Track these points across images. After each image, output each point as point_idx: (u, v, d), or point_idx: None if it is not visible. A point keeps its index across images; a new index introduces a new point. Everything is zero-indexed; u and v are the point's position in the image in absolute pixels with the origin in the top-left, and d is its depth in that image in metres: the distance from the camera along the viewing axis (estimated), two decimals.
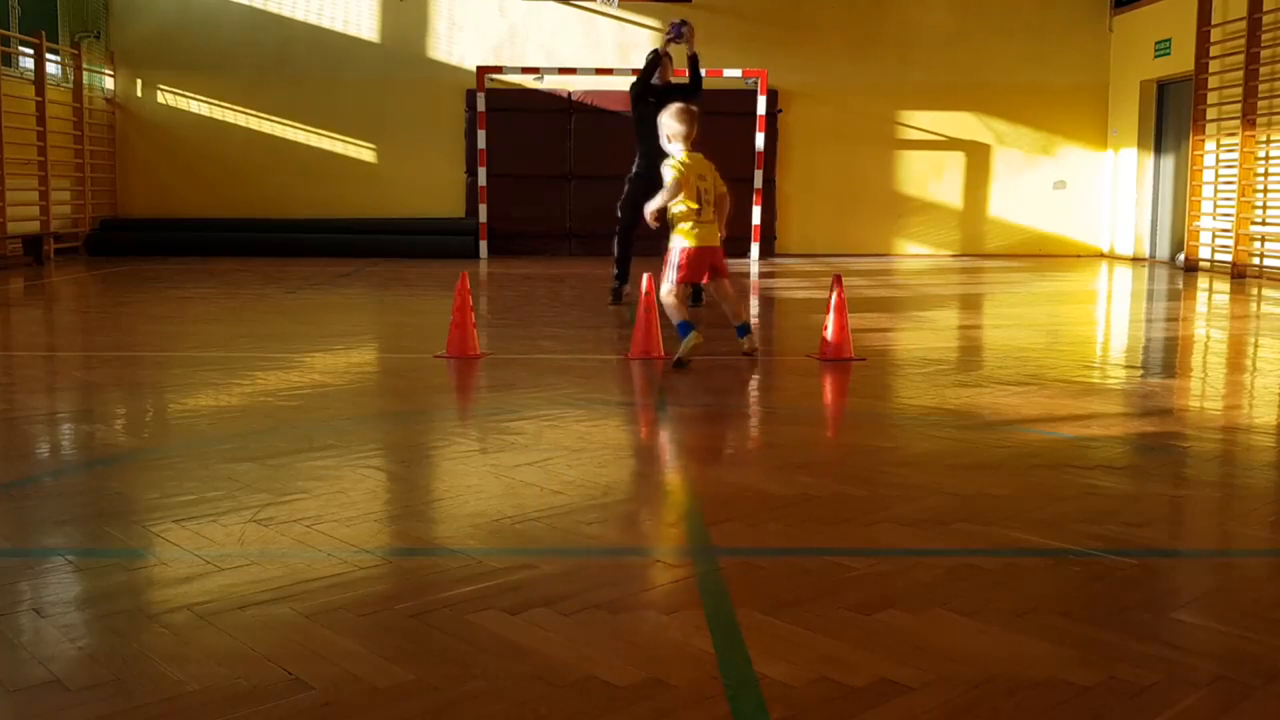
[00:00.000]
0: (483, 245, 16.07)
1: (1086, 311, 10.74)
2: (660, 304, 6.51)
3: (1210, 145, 14.36)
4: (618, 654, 2.40)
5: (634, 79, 9.83)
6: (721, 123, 16.68)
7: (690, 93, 9.39)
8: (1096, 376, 6.48)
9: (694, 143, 6.42)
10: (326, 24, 16.75)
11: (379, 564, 2.98)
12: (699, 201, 6.28)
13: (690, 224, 6.32)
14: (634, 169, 9.75)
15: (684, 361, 6.26)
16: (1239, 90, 13.53)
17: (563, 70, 15.95)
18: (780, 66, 16.66)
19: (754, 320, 6.56)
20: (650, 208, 6.44)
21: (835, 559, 3.02)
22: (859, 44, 17.03)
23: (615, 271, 10.02)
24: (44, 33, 14.51)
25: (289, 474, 3.92)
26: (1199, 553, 3.32)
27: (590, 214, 16.87)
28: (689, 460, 4.20)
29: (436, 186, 16.84)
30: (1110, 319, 10.38)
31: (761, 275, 13.70)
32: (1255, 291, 11.74)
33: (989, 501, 3.62)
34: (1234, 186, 13.65)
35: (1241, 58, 13.43)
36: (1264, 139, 13.26)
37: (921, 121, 17.39)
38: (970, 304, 11.09)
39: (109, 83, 16.66)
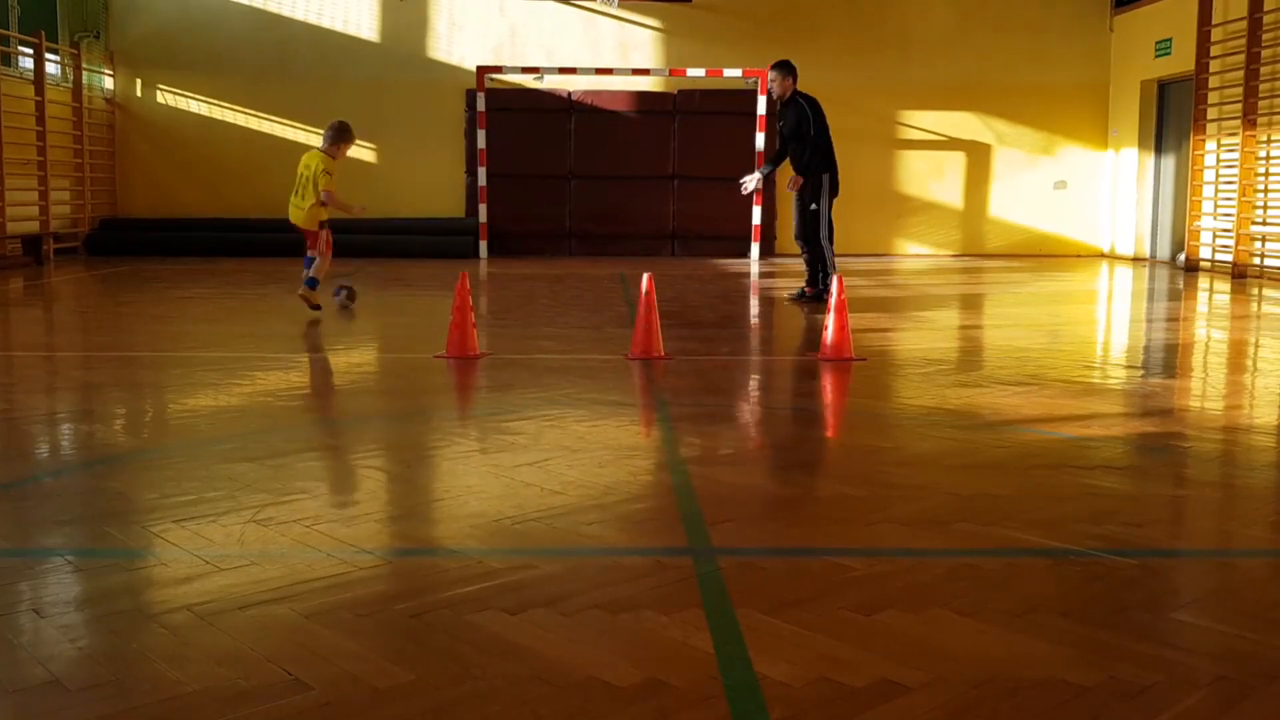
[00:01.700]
0: (483, 245, 16.07)
1: (1087, 311, 10.74)
2: None
3: (1210, 145, 14.36)
4: (618, 654, 2.40)
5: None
6: (721, 122, 16.76)
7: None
8: (1097, 376, 6.48)
9: (329, 146, 9.19)
10: (326, 24, 16.75)
11: (379, 564, 2.98)
12: (296, 186, 9.11)
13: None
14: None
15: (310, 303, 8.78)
16: (1239, 90, 13.52)
17: (563, 70, 15.95)
18: None
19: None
20: None
21: (835, 559, 3.02)
22: (859, 44, 17.03)
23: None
24: (44, 33, 14.51)
25: (289, 474, 3.92)
26: (1199, 553, 3.32)
27: (590, 214, 16.88)
28: (689, 460, 4.20)
29: (436, 186, 16.84)
30: (1111, 319, 10.38)
31: (761, 275, 13.70)
32: (1256, 291, 11.74)
33: (989, 501, 3.62)
34: (1234, 186, 13.65)
35: (1242, 58, 13.43)
36: (1264, 139, 13.25)
37: (921, 121, 17.39)
38: (970, 304, 11.09)
39: (109, 83, 16.66)
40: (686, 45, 16.85)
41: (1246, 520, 3.54)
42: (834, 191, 10.16)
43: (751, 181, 10.84)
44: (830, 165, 10.09)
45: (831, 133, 10.13)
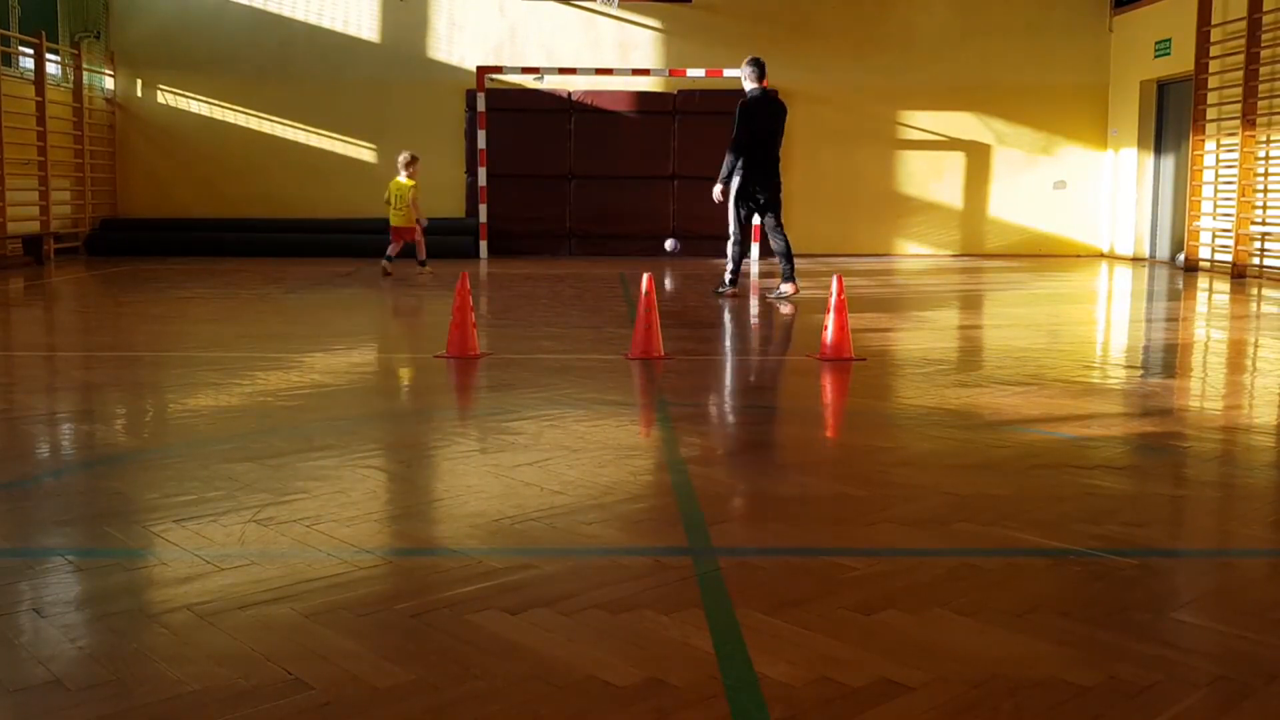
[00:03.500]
0: (483, 245, 16.07)
1: (1086, 312, 10.74)
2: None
3: (1210, 145, 14.36)
4: (618, 654, 2.40)
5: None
6: (721, 123, 16.72)
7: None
8: (1096, 377, 6.48)
9: (409, 169, 12.28)
10: (327, 24, 16.75)
11: (379, 564, 2.98)
12: (394, 204, 12.26)
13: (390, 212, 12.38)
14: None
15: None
16: (1239, 90, 13.53)
17: (563, 70, 15.95)
18: (780, 66, 16.62)
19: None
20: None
21: (835, 559, 3.02)
22: (860, 44, 17.03)
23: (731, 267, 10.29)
24: (44, 33, 14.51)
25: (289, 474, 3.92)
26: (1199, 553, 3.32)
27: (590, 214, 16.89)
28: (689, 460, 4.20)
29: (436, 186, 16.81)
30: (1110, 319, 10.38)
31: (761, 275, 13.70)
32: (1255, 291, 11.74)
33: (989, 501, 3.62)
34: (1234, 186, 13.65)
35: (1241, 58, 13.43)
36: (1264, 139, 13.26)
37: (922, 121, 17.39)
38: (970, 304, 11.09)
39: (109, 83, 16.66)
40: (686, 45, 16.85)
41: (1246, 520, 3.54)
42: (747, 196, 10.04)
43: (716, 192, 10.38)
44: (746, 168, 9.97)
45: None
